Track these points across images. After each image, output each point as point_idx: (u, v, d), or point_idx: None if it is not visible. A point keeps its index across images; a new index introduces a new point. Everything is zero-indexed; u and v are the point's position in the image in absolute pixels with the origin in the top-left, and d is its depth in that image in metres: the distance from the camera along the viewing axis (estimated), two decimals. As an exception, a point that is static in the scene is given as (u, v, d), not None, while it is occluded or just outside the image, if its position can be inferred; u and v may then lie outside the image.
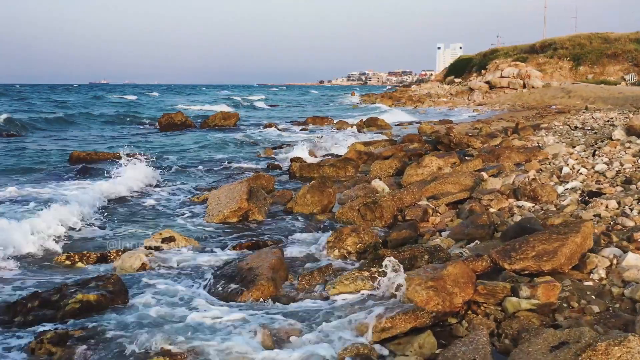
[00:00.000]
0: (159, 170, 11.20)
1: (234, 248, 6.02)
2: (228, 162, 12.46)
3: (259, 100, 53.04)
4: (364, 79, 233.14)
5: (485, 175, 8.83)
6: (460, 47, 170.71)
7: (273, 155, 13.41)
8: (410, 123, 23.95)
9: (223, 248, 6.08)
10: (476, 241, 6.12)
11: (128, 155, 12.89)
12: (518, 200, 7.29)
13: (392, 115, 27.87)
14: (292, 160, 11.77)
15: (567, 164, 8.87)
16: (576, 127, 16.82)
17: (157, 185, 9.51)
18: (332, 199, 7.79)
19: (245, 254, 5.61)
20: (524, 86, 39.98)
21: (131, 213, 7.83)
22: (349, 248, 5.63)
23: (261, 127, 21.60)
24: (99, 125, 23.68)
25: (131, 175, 9.35)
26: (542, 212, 6.73)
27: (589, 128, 15.83)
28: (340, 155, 13.36)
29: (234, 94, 71.30)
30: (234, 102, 47.16)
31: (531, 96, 36.00)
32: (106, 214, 7.70)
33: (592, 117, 18.82)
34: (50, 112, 28.93)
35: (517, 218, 6.65)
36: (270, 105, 46.33)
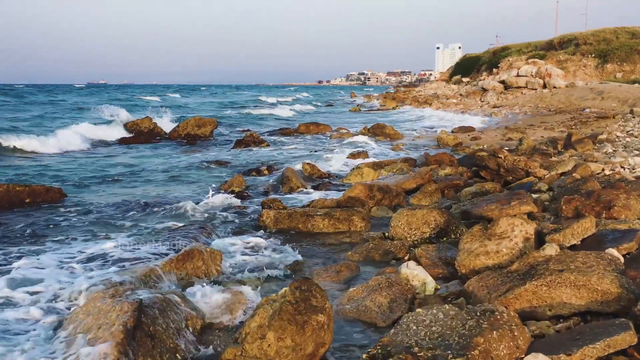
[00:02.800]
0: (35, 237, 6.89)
1: None
2: (172, 205, 8.12)
3: (293, 102, 48.09)
4: (362, 79, 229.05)
5: (619, 256, 4.58)
6: (460, 47, 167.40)
7: (243, 191, 9.06)
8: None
9: None
10: None
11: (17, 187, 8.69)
12: None
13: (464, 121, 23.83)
14: (264, 203, 7.38)
15: None
16: (654, 141, 12.65)
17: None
18: (323, 338, 3.50)
19: None
20: (544, 86, 35.68)
21: None
22: None
23: (241, 137, 17.29)
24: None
25: None
26: None
27: (679, 143, 11.63)
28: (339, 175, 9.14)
29: (260, 94, 65.85)
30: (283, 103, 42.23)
31: (554, 97, 31.74)
32: None
33: (666, 127, 14.60)
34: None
35: None
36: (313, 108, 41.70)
